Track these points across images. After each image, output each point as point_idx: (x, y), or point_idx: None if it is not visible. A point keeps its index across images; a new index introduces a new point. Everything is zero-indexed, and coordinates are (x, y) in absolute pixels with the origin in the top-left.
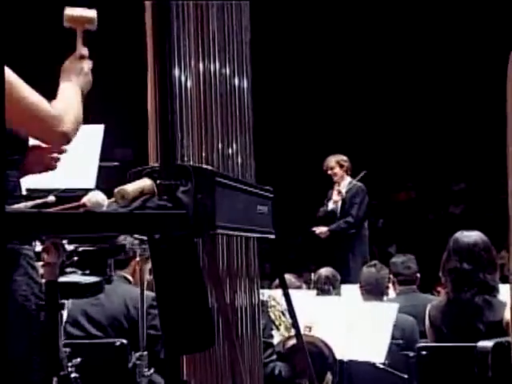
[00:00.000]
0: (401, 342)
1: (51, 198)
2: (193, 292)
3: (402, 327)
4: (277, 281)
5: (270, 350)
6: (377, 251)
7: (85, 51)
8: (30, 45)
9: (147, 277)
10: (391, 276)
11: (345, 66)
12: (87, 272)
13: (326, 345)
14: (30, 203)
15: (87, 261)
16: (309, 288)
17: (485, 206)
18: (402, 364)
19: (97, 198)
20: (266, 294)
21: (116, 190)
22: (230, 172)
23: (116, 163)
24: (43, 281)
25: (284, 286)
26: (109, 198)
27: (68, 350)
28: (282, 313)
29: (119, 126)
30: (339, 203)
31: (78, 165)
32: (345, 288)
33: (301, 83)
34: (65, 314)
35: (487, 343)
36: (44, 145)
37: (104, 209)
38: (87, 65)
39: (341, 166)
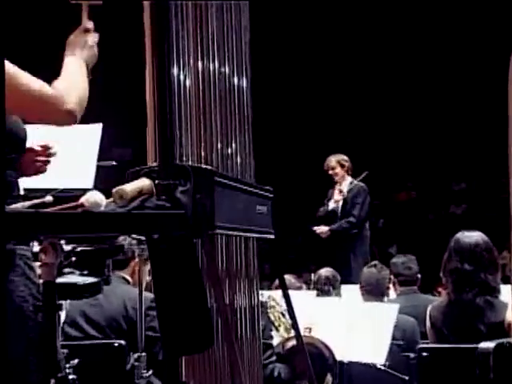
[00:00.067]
0: (401, 343)
1: (49, 198)
2: (192, 292)
3: (402, 328)
4: (276, 281)
5: (269, 351)
6: (377, 251)
7: (90, 25)
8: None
9: (146, 278)
10: (392, 276)
11: (345, 65)
12: (85, 272)
13: (325, 346)
14: (28, 203)
15: (85, 261)
16: (309, 289)
17: (486, 205)
18: (403, 365)
19: (95, 198)
20: (265, 294)
21: (114, 190)
22: (229, 172)
23: (114, 163)
24: (41, 281)
25: (284, 287)
26: (107, 197)
27: (66, 351)
28: (282, 314)
29: (117, 126)
30: (340, 203)
31: (75, 164)
32: (345, 288)
33: (301, 83)
34: (62, 314)
35: (488, 344)
36: (36, 147)
37: (102, 209)
38: (92, 38)
39: (342, 166)
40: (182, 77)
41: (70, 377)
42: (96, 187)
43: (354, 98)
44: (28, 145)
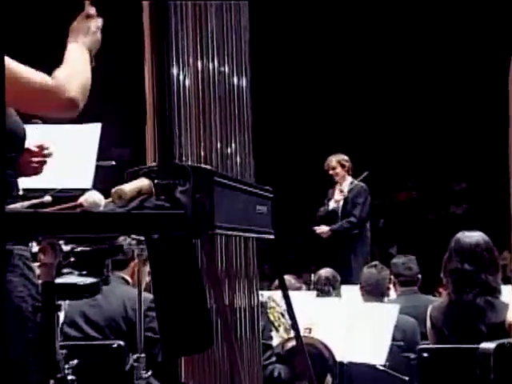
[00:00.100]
0: (402, 343)
1: (48, 198)
2: (191, 293)
3: (402, 328)
4: (276, 282)
5: (269, 351)
6: (377, 252)
7: (92, 10)
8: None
9: (146, 278)
10: (392, 277)
11: (345, 65)
12: (84, 273)
13: (325, 346)
14: (27, 203)
15: (84, 261)
16: (309, 289)
17: (486, 206)
18: (403, 366)
19: (94, 198)
20: (265, 295)
21: (113, 190)
22: (228, 172)
23: (113, 163)
24: (40, 282)
25: (283, 287)
26: (106, 197)
27: (65, 351)
28: (282, 314)
29: (116, 126)
30: (341, 203)
31: (74, 164)
32: (345, 289)
33: (300, 83)
34: (61, 315)
35: (489, 345)
36: (32, 148)
37: (101, 209)
38: (95, 23)
39: (342, 166)
40: (181, 76)
41: (69, 377)
42: (95, 187)
43: (353, 98)
44: (25, 145)
